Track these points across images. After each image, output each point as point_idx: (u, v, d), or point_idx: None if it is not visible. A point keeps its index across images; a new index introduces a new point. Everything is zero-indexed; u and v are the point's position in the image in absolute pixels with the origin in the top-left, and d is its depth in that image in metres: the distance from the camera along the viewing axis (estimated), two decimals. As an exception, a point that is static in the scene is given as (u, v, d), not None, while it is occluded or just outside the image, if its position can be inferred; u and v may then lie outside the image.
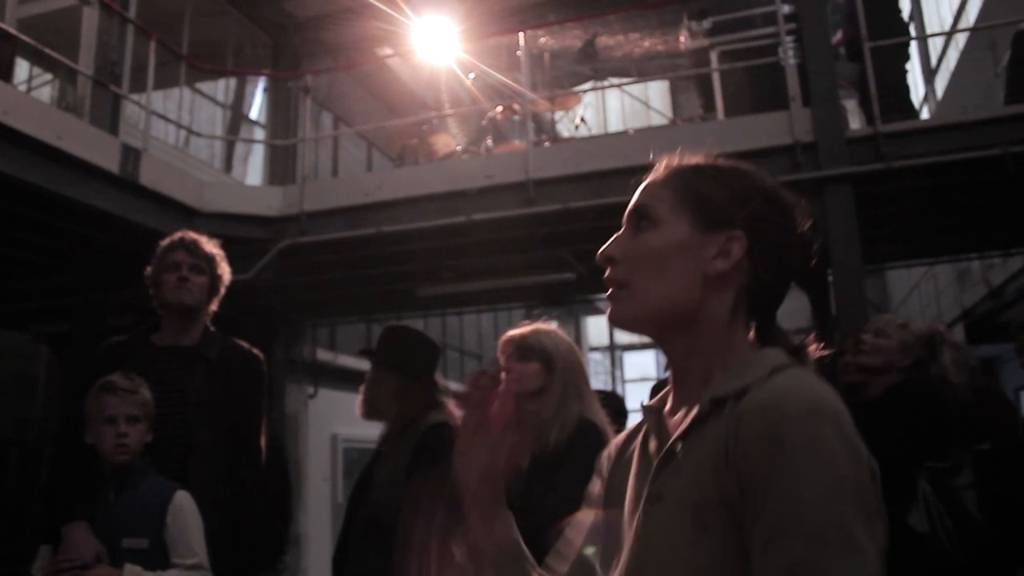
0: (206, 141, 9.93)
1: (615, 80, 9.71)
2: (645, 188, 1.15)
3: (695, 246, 1.07)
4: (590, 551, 1.18)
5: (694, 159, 1.16)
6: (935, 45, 9.79)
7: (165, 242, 2.97)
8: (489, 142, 7.54)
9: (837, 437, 0.90)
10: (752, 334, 1.10)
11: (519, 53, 6.95)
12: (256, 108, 10.90)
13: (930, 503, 2.85)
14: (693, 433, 1.02)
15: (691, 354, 1.09)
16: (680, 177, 1.13)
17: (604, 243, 1.14)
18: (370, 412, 2.95)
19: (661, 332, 1.11)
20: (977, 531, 2.84)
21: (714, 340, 1.07)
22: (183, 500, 2.51)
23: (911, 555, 2.85)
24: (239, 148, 10.77)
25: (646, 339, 1.18)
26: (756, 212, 1.09)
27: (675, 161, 1.17)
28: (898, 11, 6.50)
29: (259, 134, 10.58)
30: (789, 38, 6.04)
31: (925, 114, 9.48)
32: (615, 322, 1.13)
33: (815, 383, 0.95)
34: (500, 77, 7.71)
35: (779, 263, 1.10)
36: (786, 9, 6.10)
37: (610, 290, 1.11)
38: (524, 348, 2.60)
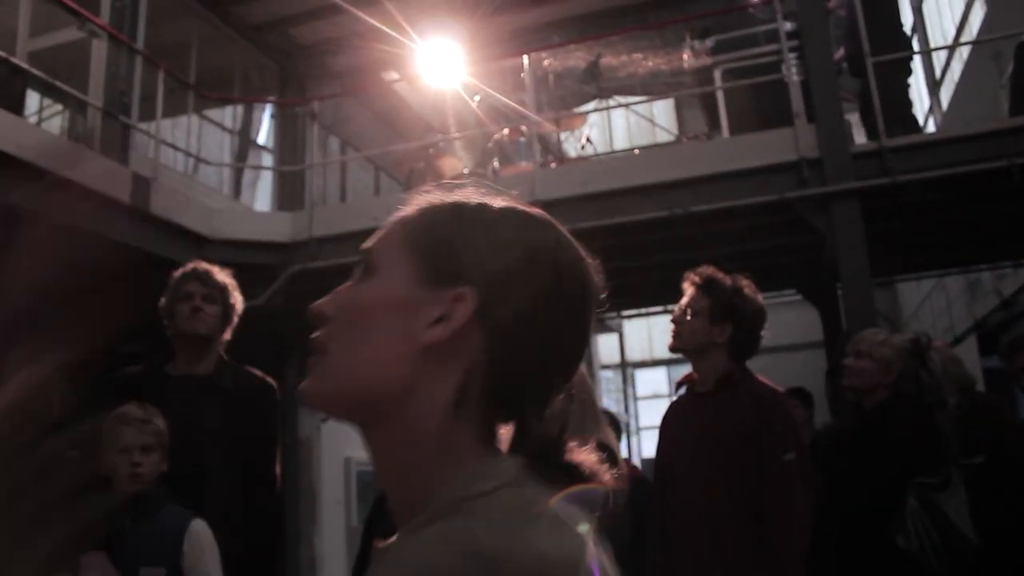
0: (215, 168, 10.01)
1: (620, 99, 9.76)
2: (384, 228, 0.88)
3: (412, 305, 0.80)
4: None
5: (465, 194, 0.87)
6: (939, 58, 9.80)
7: (178, 273, 3.00)
8: (496, 164, 7.58)
9: None
10: (505, 431, 0.81)
11: (524, 75, 7.00)
12: (263, 134, 10.99)
13: (917, 520, 2.85)
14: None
15: (396, 457, 0.80)
16: (423, 216, 0.86)
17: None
18: None
19: (362, 420, 0.82)
20: (964, 547, 2.85)
21: (428, 440, 0.78)
22: (199, 528, 2.52)
23: (899, 573, 2.86)
24: (247, 174, 10.84)
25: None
26: (503, 267, 0.80)
27: (433, 194, 0.88)
28: (900, 25, 6.53)
29: (267, 160, 10.65)
30: (792, 55, 6.08)
31: (930, 127, 9.49)
32: (305, 400, 0.83)
33: (519, 521, 0.68)
34: (505, 100, 7.76)
35: (533, 344, 0.80)
36: (788, 26, 6.14)
37: (310, 357, 0.84)
38: None
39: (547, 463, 0.78)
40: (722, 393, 2.79)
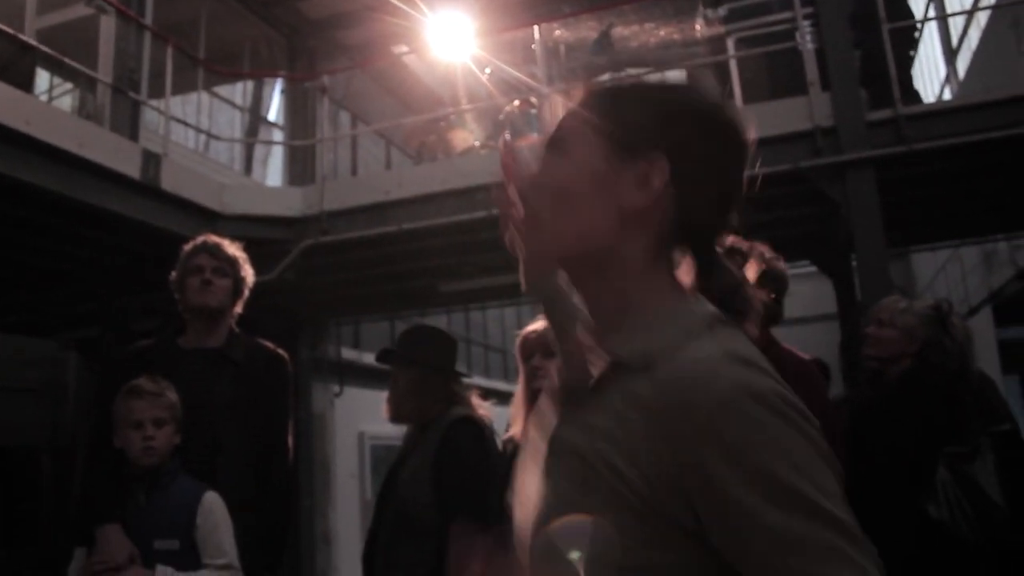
0: (226, 144, 10.00)
1: (632, 71, 9.66)
2: (563, 116, 1.01)
3: (610, 177, 0.93)
4: None
5: (617, 84, 1.04)
6: (956, 24, 9.67)
7: (188, 246, 2.99)
8: (507, 136, 7.53)
9: (773, 416, 0.80)
10: (688, 275, 0.98)
11: (534, 47, 6.94)
12: (274, 110, 10.96)
13: (948, 490, 2.83)
14: (595, 391, 0.92)
15: (604, 296, 0.96)
16: (597, 100, 0.99)
17: None
18: (395, 414, 2.95)
19: (572, 272, 0.99)
20: (996, 515, 2.82)
21: (632, 283, 0.94)
22: (213, 501, 2.53)
23: (931, 543, 2.83)
24: (258, 150, 10.83)
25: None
26: (682, 135, 0.93)
27: (597, 85, 1.02)
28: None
29: (277, 136, 10.63)
30: (806, 23, 5.99)
31: (947, 95, 9.37)
32: (524, 262, 0.99)
33: (730, 356, 0.84)
34: (516, 72, 7.70)
35: (713, 193, 0.96)
36: (802, -7, 6.05)
37: (518, 225, 0.98)
38: (551, 342, 2.59)
39: (734, 297, 0.96)
40: None
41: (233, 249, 3.00)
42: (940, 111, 5.70)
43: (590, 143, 0.95)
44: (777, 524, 0.77)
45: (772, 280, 2.79)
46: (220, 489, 2.57)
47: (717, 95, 1.00)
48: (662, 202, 0.92)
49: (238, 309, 3.00)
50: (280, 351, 3.03)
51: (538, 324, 2.57)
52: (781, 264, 2.86)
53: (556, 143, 0.99)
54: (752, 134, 1.00)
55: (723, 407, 0.80)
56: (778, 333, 3.15)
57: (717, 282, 0.97)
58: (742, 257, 2.81)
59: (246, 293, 3.02)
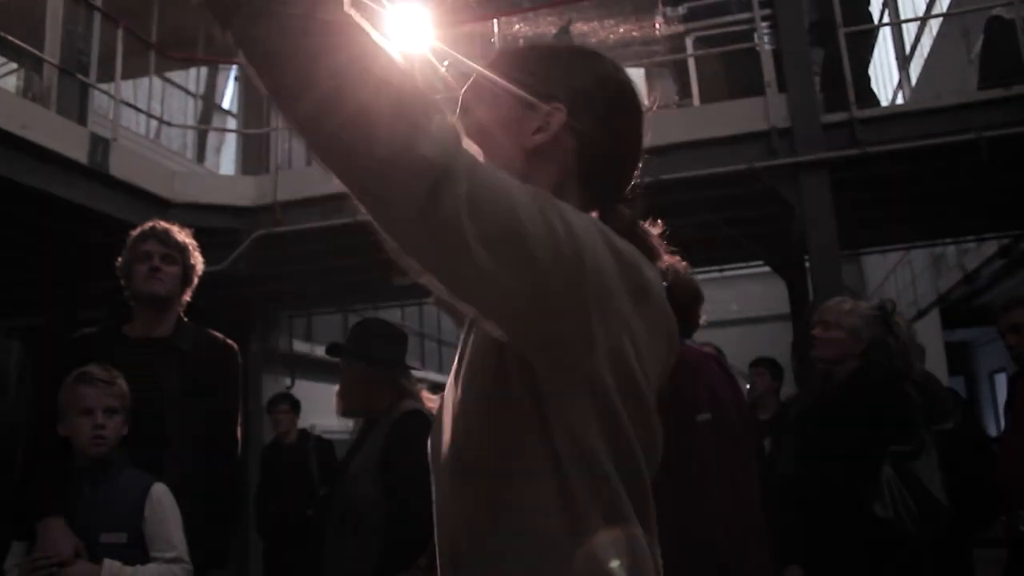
0: (178, 131, 9.82)
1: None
2: (480, 71, 1.14)
3: (517, 121, 1.07)
4: None
5: (525, 44, 1.17)
6: (909, 31, 9.83)
7: (136, 232, 2.91)
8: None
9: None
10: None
11: (494, 40, 6.90)
12: (228, 97, 10.79)
13: (893, 488, 2.87)
14: None
15: None
16: (510, 56, 1.14)
17: None
18: (346, 408, 2.92)
19: None
20: (938, 512, 2.87)
21: None
22: (160, 493, 2.45)
23: (877, 540, 2.87)
24: (211, 138, 10.66)
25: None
26: (580, 87, 1.08)
27: (513, 44, 1.18)
28: (867, 3, 6.52)
29: (231, 123, 10.47)
30: (764, 24, 6.04)
31: (900, 100, 9.53)
32: None
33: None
34: (475, 65, 7.64)
35: (610, 144, 1.09)
36: (761, -5, 6.09)
37: None
38: None
39: (629, 237, 1.02)
40: None
41: (183, 236, 2.93)
42: (893, 115, 5.79)
43: (500, 94, 1.09)
44: None
45: (680, 293, 2.80)
46: (167, 481, 2.50)
47: (616, 64, 1.14)
48: (561, 144, 1.06)
49: (187, 298, 2.93)
50: (229, 341, 2.96)
51: None
52: (692, 279, 2.89)
53: (472, 94, 1.13)
54: (645, 99, 1.14)
55: None
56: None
57: (614, 224, 1.03)
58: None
59: (195, 281, 2.94)
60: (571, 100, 1.06)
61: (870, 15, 6.82)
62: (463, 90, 1.15)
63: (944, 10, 8.39)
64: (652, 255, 1.07)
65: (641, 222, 1.11)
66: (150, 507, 2.41)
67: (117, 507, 2.41)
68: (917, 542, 2.87)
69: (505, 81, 1.09)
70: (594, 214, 1.04)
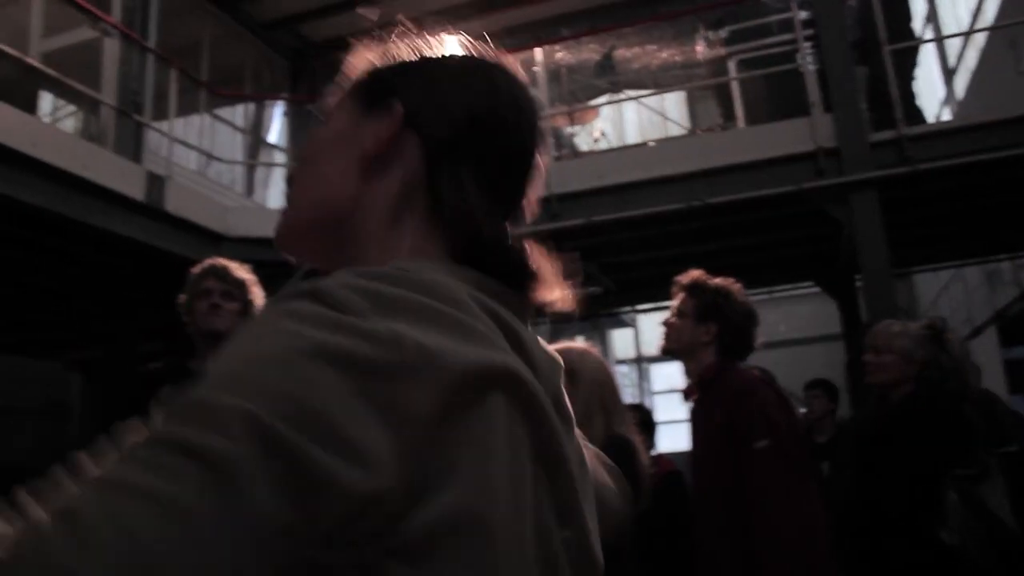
0: (227, 166, 10.01)
1: (631, 92, 9.71)
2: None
3: (353, 132, 0.85)
4: None
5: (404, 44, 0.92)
6: (953, 46, 9.72)
7: (196, 269, 2.98)
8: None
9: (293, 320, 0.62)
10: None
11: (536, 68, 6.97)
12: (275, 132, 10.99)
13: (958, 513, 2.81)
14: None
15: (342, 255, 0.82)
16: (361, 63, 0.93)
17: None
18: None
19: (316, 243, 0.86)
20: (1007, 538, 2.80)
21: (370, 241, 0.81)
22: None
23: (940, 569, 2.81)
24: (259, 172, 10.85)
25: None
26: (431, 81, 0.86)
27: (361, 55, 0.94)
28: (908, 18, 6.48)
29: (278, 157, 10.65)
30: (807, 44, 6.03)
31: (945, 115, 9.40)
32: (277, 242, 0.88)
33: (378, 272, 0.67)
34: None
35: (465, 147, 0.82)
36: (803, 15, 6.09)
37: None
38: None
39: (502, 272, 0.77)
40: (704, 393, 2.77)
41: (242, 272, 2.99)
42: (943, 131, 5.72)
43: (340, 107, 0.90)
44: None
45: (735, 314, 2.80)
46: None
47: (509, 68, 0.91)
48: (404, 153, 0.82)
49: (248, 332, 2.99)
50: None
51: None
52: (747, 300, 2.87)
53: (321, 121, 0.92)
54: (538, 123, 0.89)
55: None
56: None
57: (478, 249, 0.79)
58: (709, 293, 2.81)
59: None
60: (414, 98, 0.84)
61: (912, 31, 6.77)
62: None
63: (989, 22, 8.28)
64: (523, 275, 0.80)
65: (522, 248, 0.82)
66: None
67: None
68: (984, 571, 2.81)
69: (352, 85, 0.91)
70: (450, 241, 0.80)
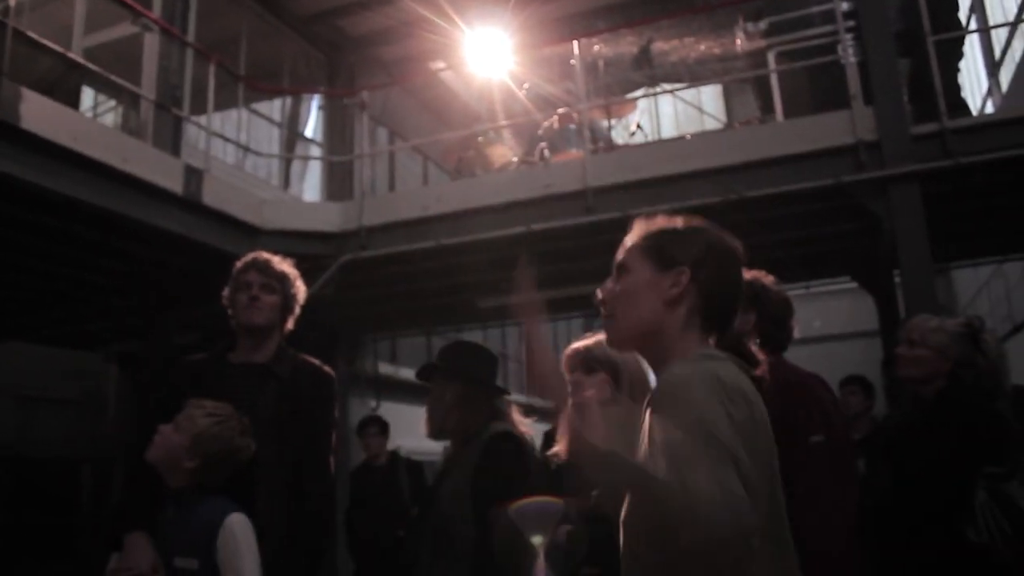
0: (264, 160, 10.08)
1: (667, 86, 9.63)
2: (623, 247, 1.65)
3: (656, 282, 1.57)
4: None
5: (658, 222, 1.65)
6: (998, 37, 9.53)
7: (239, 263, 3.00)
8: (546, 152, 7.52)
9: (700, 388, 1.37)
10: (711, 339, 1.58)
11: (573, 62, 6.93)
12: (311, 125, 11.05)
13: (987, 512, 2.76)
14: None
15: (658, 354, 1.58)
16: (645, 237, 1.63)
17: None
18: (435, 430, 2.91)
19: (639, 344, 1.63)
20: None
21: (672, 344, 1.55)
22: (235, 524, 2.40)
23: (971, 567, 2.76)
24: (295, 165, 10.92)
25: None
26: (698, 254, 1.57)
27: (643, 224, 1.65)
28: (955, 8, 6.35)
29: (314, 151, 10.71)
30: (848, 35, 5.93)
31: (989, 107, 9.23)
32: (608, 343, 1.66)
33: (706, 362, 1.45)
34: (553, 88, 7.69)
35: (719, 288, 1.57)
36: (844, 6, 6.00)
37: (604, 321, 1.64)
38: (590, 360, 2.55)
39: (735, 353, 1.56)
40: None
41: (283, 266, 3.01)
42: (986, 124, 5.62)
43: (643, 265, 1.59)
44: (674, 439, 1.28)
45: (772, 304, 2.75)
46: (258, 502, 2.53)
47: (719, 231, 1.63)
48: (688, 295, 1.55)
49: (289, 325, 3.00)
50: (327, 368, 3.01)
51: (585, 341, 2.55)
52: (782, 290, 2.82)
53: (621, 266, 1.63)
54: (743, 264, 1.63)
55: (675, 378, 1.44)
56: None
57: (726, 340, 1.60)
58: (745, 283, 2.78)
59: (296, 310, 3.01)
60: (691, 264, 1.55)
61: (959, 22, 6.64)
62: (624, 253, 1.64)
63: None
64: (751, 362, 1.64)
65: (743, 339, 1.70)
66: (223, 538, 2.36)
67: (192, 533, 2.40)
68: (1012, 569, 2.75)
69: (643, 250, 1.61)
70: (712, 339, 1.58)
